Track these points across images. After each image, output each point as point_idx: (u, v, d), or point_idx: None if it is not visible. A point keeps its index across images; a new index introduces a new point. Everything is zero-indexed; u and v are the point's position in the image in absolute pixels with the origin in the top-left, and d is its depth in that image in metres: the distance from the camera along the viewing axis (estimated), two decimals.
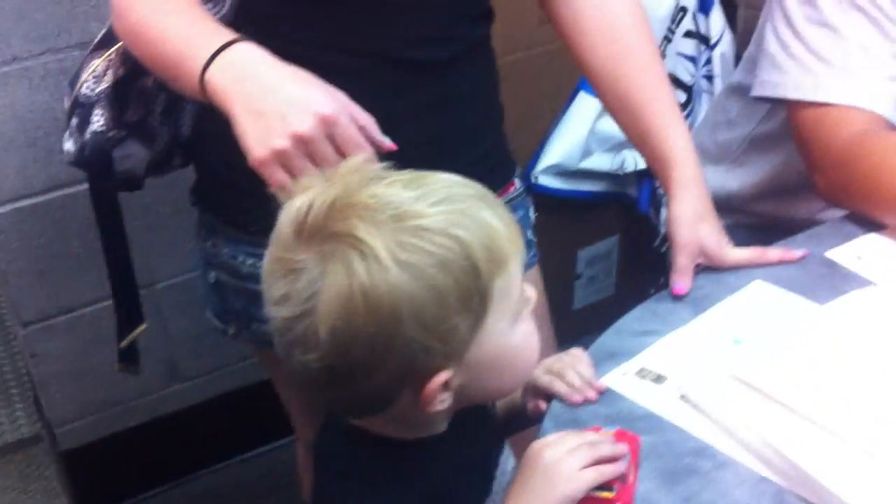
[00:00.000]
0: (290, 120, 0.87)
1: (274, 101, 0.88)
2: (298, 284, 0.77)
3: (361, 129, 0.90)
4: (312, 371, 0.78)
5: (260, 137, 0.88)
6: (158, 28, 1.00)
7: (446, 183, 0.80)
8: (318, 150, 0.88)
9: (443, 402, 0.81)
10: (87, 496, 2.00)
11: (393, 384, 0.80)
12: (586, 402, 0.98)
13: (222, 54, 0.93)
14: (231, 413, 2.04)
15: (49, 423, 1.91)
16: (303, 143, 0.87)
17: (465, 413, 0.86)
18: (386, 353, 0.76)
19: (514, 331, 0.83)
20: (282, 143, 0.87)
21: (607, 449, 0.86)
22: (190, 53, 0.95)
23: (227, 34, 0.95)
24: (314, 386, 0.81)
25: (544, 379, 1.00)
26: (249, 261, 1.19)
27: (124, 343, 1.28)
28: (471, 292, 0.77)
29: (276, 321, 0.80)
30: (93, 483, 1.98)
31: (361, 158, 0.83)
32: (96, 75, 1.15)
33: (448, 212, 0.77)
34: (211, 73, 0.92)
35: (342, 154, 0.88)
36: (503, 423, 1.04)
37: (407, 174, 0.81)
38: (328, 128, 0.88)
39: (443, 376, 0.79)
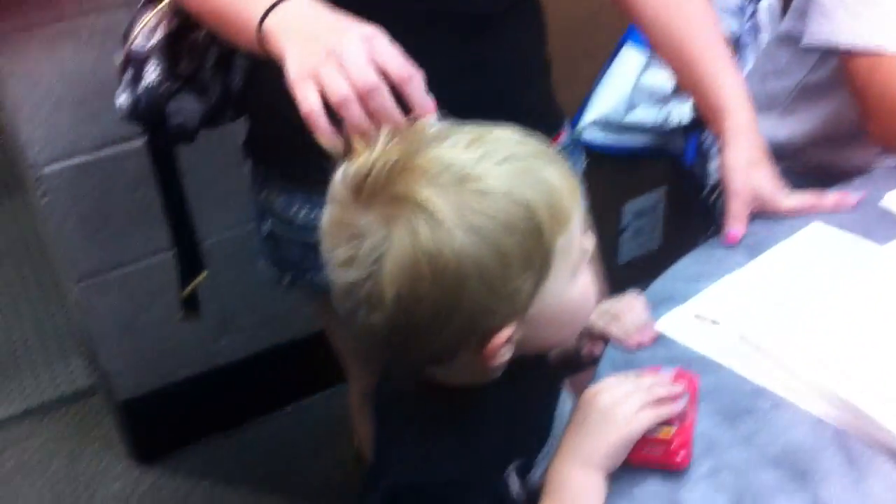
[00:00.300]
0: (323, 39, 0.85)
1: (312, 31, 0.88)
2: (362, 249, 0.77)
3: (404, 82, 0.86)
4: (376, 331, 0.79)
5: (299, 58, 0.87)
6: None
7: (507, 141, 0.79)
8: (355, 67, 0.84)
9: (503, 356, 0.82)
10: (143, 445, 2.05)
11: (456, 343, 0.80)
12: (640, 346, 0.99)
13: (278, 7, 0.94)
14: (283, 363, 2.07)
15: (106, 374, 1.95)
16: (337, 59, 0.84)
17: (521, 359, 0.86)
18: (450, 315, 0.77)
19: (573, 284, 0.83)
20: (324, 67, 0.85)
21: (663, 391, 0.86)
22: (247, 7, 0.96)
23: None
24: (377, 345, 0.81)
25: (600, 322, 1.01)
26: (303, 211, 1.21)
27: (187, 291, 1.30)
28: (534, 253, 0.77)
29: (339, 283, 0.80)
30: (148, 432, 2.03)
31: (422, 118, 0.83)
32: (148, 29, 1.16)
33: (510, 172, 0.77)
34: (267, 25, 0.93)
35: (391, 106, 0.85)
36: (558, 367, 1.05)
37: (467, 132, 0.79)
38: (366, 42, 0.85)
39: (505, 333, 0.80)
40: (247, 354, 2.05)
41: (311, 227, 1.19)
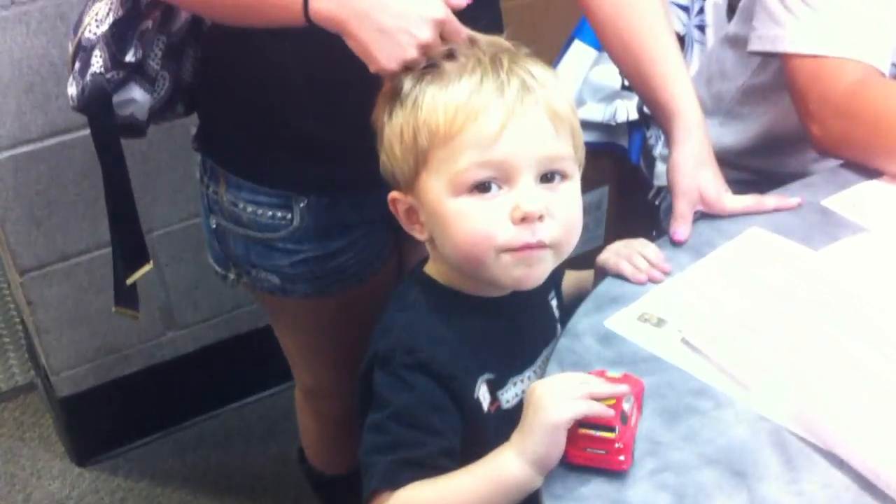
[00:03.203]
0: (415, 32, 0.94)
1: (391, 16, 0.94)
2: None
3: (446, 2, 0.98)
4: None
5: (391, 53, 0.95)
6: None
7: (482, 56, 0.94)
8: (434, 48, 0.96)
9: (420, 232, 0.98)
10: (83, 443, 2.02)
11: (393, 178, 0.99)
12: (652, 281, 1.08)
13: None
14: (226, 360, 2.06)
15: (45, 370, 1.92)
16: (425, 49, 0.95)
17: (526, 298, 0.99)
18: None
19: (450, 200, 0.92)
20: (412, 53, 0.95)
21: (603, 387, 0.87)
22: None
23: None
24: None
25: (612, 261, 1.11)
26: (250, 207, 1.21)
27: (131, 280, 1.29)
28: (409, 131, 0.93)
29: None
30: (89, 430, 2.00)
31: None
32: (98, 19, 1.14)
33: (473, 79, 0.91)
34: (315, 4, 0.96)
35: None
36: (573, 307, 1.09)
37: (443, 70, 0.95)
38: (441, 28, 0.96)
39: (394, 193, 0.98)
40: (191, 350, 2.03)
41: (257, 224, 1.21)
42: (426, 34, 0.94)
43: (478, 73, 0.92)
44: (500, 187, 0.91)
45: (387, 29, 0.94)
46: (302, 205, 1.19)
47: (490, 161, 0.90)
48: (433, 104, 0.92)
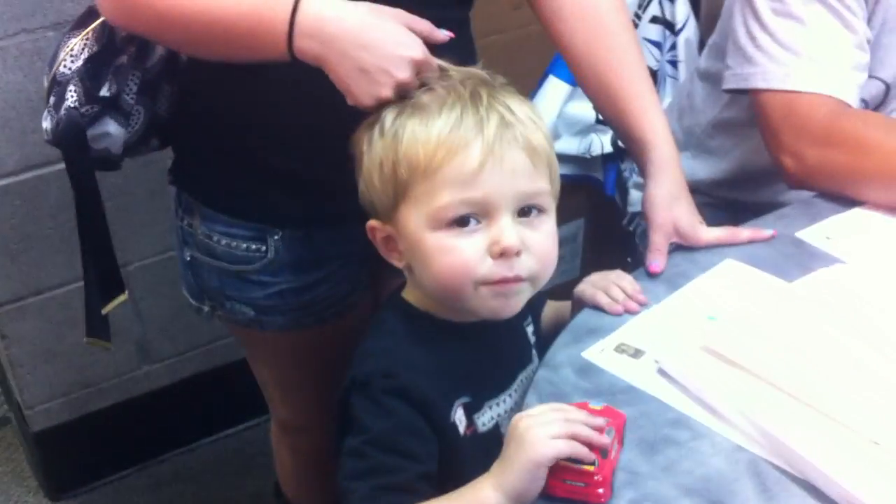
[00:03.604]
0: (393, 72, 0.97)
1: (372, 57, 0.97)
2: None
3: (426, 36, 1.01)
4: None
5: (368, 91, 0.98)
6: (198, 9, 1.01)
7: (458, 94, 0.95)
8: (411, 85, 0.99)
9: (398, 260, 0.99)
10: (58, 477, 1.99)
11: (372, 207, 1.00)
12: (628, 312, 1.09)
13: (298, 20, 0.97)
14: (202, 394, 2.04)
15: (19, 404, 1.90)
16: (403, 86, 0.98)
17: (502, 323, 0.99)
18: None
19: (429, 234, 0.93)
20: (388, 92, 0.98)
21: (583, 428, 0.87)
22: (260, 27, 0.99)
23: None
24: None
25: (589, 292, 1.11)
26: (224, 240, 1.21)
27: (106, 310, 1.28)
28: (388, 163, 0.94)
29: None
30: (63, 464, 1.98)
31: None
32: (73, 54, 1.15)
33: (454, 114, 0.93)
34: (299, 43, 0.98)
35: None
36: (551, 337, 1.09)
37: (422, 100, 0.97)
38: (418, 68, 0.99)
39: (373, 222, 0.99)
40: (166, 384, 2.02)
41: (231, 256, 1.21)
42: (404, 74, 0.97)
43: (458, 109, 0.93)
44: (478, 221, 0.93)
45: (367, 68, 0.97)
46: (276, 237, 1.20)
47: (470, 198, 0.92)
48: (414, 138, 0.93)
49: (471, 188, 0.91)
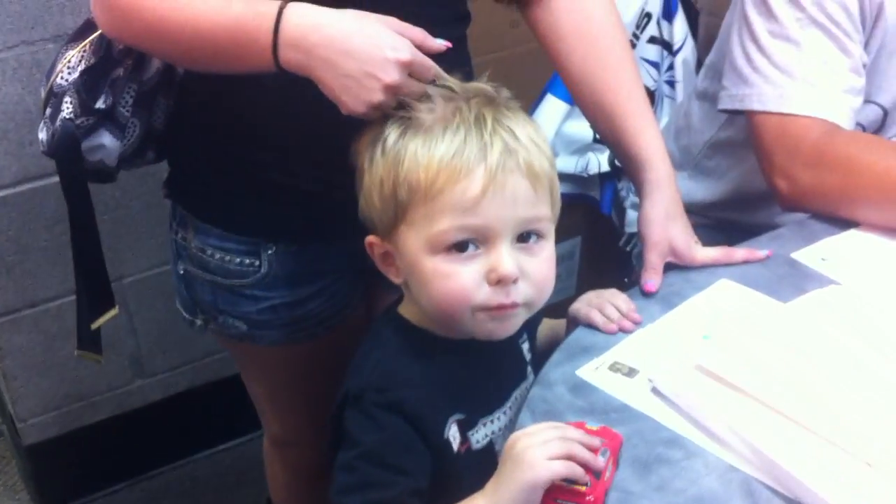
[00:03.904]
0: (380, 76, 0.95)
1: (357, 62, 0.96)
2: None
3: (419, 43, 0.99)
4: None
5: (358, 97, 0.96)
6: (186, 21, 1.01)
7: (468, 117, 0.93)
8: (404, 88, 0.97)
9: (396, 276, 0.99)
10: (50, 491, 1.98)
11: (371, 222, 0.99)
12: (622, 330, 1.09)
13: (282, 30, 0.97)
14: (195, 408, 2.04)
15: (11, 417, 1.90)
16: (392, 91, 0.96)
17: (497, 341, 0.98)
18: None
19: (427, 257, 0.93)
20: (378, 96, 0.96)
21: (580, 449, 0.87)
22: (245, 37, 0.99)
23: (266, 4, 0.98)
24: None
25: (584, 311, 1.11)
26: (218, 254, 1.21)
27: (96, 325, 1.28)
28: (388, 183, 0.94)
29: None
30: (55, 478, 1.97)
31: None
32: (70, 66, 1.15)
33: (458, 135, 0.92)
34: (284, 54, 0.98)
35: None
36: (546, 354, 1.09)
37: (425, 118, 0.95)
38: (408, 69, 0.97)
39: (372, 238, 0.99)
40: (160, 398, 2.01)
41: (224, 270, 1.21)
42: (392, 76, 0.95)
43: (461, 132, 0.92)
44: (477, 247, 0.93)
45: (352, 74, 0.96)
46: (270, 252, 1.20)
47: (470, 225, 0.91)
48: (415, 161, 0.92)
49: (471, 215, 0.91)
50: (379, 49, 0.96)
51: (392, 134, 0.95)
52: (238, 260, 1.20)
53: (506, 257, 0.92)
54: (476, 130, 0.92)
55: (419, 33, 0.99)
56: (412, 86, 0.97)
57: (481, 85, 1.00)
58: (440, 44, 1.00)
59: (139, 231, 1.80)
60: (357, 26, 0.97)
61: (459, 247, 0.92)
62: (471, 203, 0.91)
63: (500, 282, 0.92)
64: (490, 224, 0.91)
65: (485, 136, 0.92)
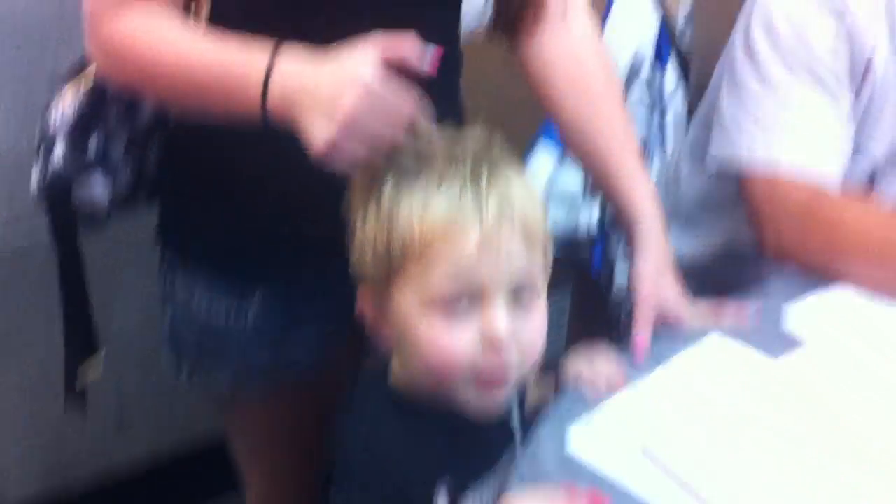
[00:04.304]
0: (332, 113, 0.91)
1: (318, 102, 0.93)
2: None
3: (404, 63, 0.93)
4: None
5: (317, 135, 0.93)
6: (179, 67, 1.01)
7: (461, 172, 0.91)
8: (367, 125, 0.92)
9: (386, 339, 0.97)
10: None
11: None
12: (610, 390, 1.08)
13: (272, 82, 0.96)
14: (180, 469, 2.01)
15: None
16: (352, 125, 0.91)
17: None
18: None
19: (422, 316, 0.91)
20: (332, 133, 0.91)
21: None
22: (236, 86, 0.98)
23: (259, 52, 0.97)
24: None
25: (572, 371, 1.11)
26: (204, 301, 1.20)
27: (82, 377, 1.27)
28: (382, 242, 0.91)
29: None
30: None
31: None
32: (64, 109, 1.16)
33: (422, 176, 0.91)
34: (271, 103, 0.96)
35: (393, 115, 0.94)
36: (535, 415, 1.08)
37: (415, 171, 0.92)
38: (369, 99, 0.91)
39: (363, 297, 0.97)
40: (144, 457, 1.98)
41: (210, 316, 1.20)
42: (343, 110, 0.91)
43: (456, 188, 0.90)
44: (470, 304, 0.91)
45: (313, 116, 0.93)
46: (257, 298, 1.19)
47: (464, 283, 0.90)
48: (409, 217, 0.90)
49: (466, 273, 0.90)
50: (337, 84, 0.92)
51: (385, 188, 0.93)
52: (225, 305, 1.19)
53: (500, 319, 0.90)
54: (472, 186, 0.90)
55: (405, 48, 0.94)
56: (367, 125, 0.92)
57: (476, 133, 0.98)
58: (429, 55, 0.95)
59: (126, 282, 1.78)
60: (335, 66, 0.94)
61: (453, 304, 0.90)
62: (466, 260, 0.89)
63: (493, 343, 0.91)
64: (485, 282, 0.90)
65: (481, 193, 0.90)
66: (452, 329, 0.91)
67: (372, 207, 0.94)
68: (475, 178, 0.91)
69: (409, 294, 0.92)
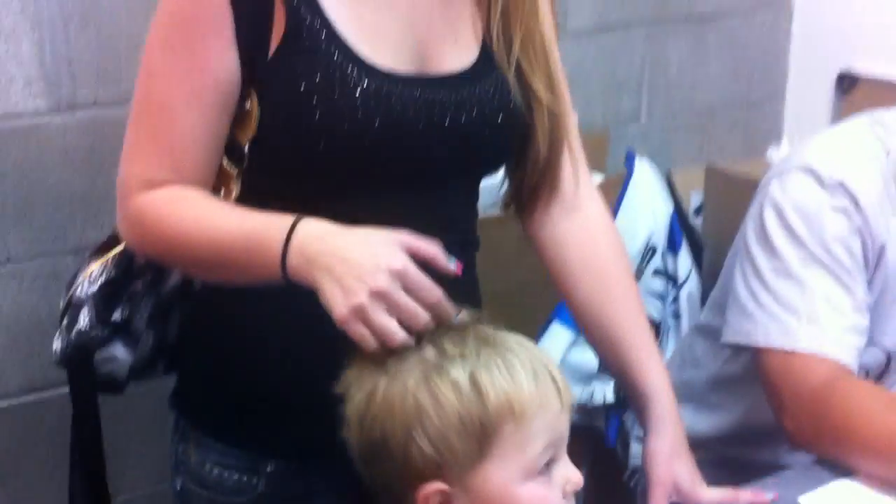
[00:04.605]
0: (367, 279, 0.94)
1: (348, 266, 0.95)
2: None
3: (430, 260, 0.97)
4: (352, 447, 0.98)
5: (345, 300, 0.94)
6: (203, 231, 1.05)
7: (508, 344, 0.96)
8: (394, 301, 0.94)
9: None
10: None
11: (397, 475, 0.94)
12: None
13: (292, 240, 0.99)
14: None
15: None
16: (380, 297, 0.94)
17: None
18: (386, 441, 0.94)
19: (522, 485, 0.93)
20: (360, 299, 0.93)
21: None
22: (258, 247, 1.01)
23: (281, 219, 1.01)
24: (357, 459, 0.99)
25: None
26: (217, 470, 1.19)
27: None
28: (474, 420, 0.91)
29: None
30: None
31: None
32: (91, 278, 1.19)
33: (484, 354, 0.94)
34: (290, 261, 0.98)
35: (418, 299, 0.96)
36: None
37: (471, 352, 0.94)
38: (400, 279, 0.95)
39: (435, 485, 0.92)
40: None
41: (222, 487, 1.19)
42: (379, 282, 0.94)
43: (525, 361, 0.95)
44: (555, 462, 0.96)
45: (342, 278, 0.95)
46: (269, 469, 1.18)
47: (555, 440, 0.95)
48: (504, 392, 0.93)
49: (556, 436, 0.95)
50: (373, 256, 0.96)
51: (454, 372, 0.93)
52: (236, 476, 1.18)
53: (572, 465, 0.97)
54: (532, 356, 0.96)
55: (432, 249, 0.99)
56: (400, 298, 0.95)
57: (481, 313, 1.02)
58: (453, 265, 1.00)
59: (137, 448, 1.77)
60: (362, 237, 0.98)
61: (548, 465, 0.95)
62: (555, 418, 0.94)
63: (574, 490, 0.96)
64: (564, 434, 0.96)
65: (543, 360, 0.97)
66: (550, 489, 0.94)
67: (450, 389, 0.93)
68: (527, 346, 0.97)
69: (504, 466, 0.93)
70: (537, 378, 0.94)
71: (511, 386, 0.93)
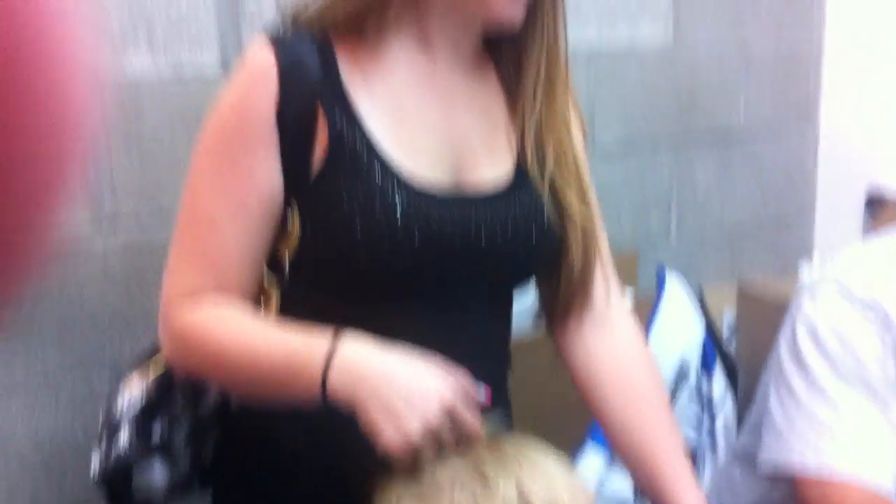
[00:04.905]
0: (419, 408, 0.97)
1: (401, 392, 0.97)
2: None
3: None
4: None
5: (396, 432, 0.97)
6: (243, 355, 1.06)
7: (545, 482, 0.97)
8: (442, 435, 0.98)
9: None
10: None
11: None
12: None
13: (334, 360, 1.00)
14: None
15: None
16: (430, 430, 0.97)
17: None
18: None
19: None
20: (415, 428, 0.96)
21: None
22: (298, 367, 1.02)
23: (323, 336, 1.02)
24: None
25: None
26: None
27: None
28: None
29: None
30: None
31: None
32: (131, 400, 1.20)
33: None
34: (331, 382, 0.99)
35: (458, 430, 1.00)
36: None
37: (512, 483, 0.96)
38: (451, 415, 0.98)
39: None
40: None
41: None
42: (432, 412, 0.97)
43: (564, 471, 0.99)
44: None
45: (392, 405, 0.97)
46: None
47: None
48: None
49: None
50: (425, 383, 0.98)
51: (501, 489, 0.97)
52: None
53: None
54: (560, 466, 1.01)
55: (462, 381, 1.02)
56: (447, 435, 0.98)
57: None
58: (482, 395, 1.02)
59: None
60: (406, 361, 1.00)
61: None
62: None
63: None
64: None
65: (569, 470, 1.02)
66: None
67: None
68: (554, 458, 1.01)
69: None
70: (578, 492, 0.98)
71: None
